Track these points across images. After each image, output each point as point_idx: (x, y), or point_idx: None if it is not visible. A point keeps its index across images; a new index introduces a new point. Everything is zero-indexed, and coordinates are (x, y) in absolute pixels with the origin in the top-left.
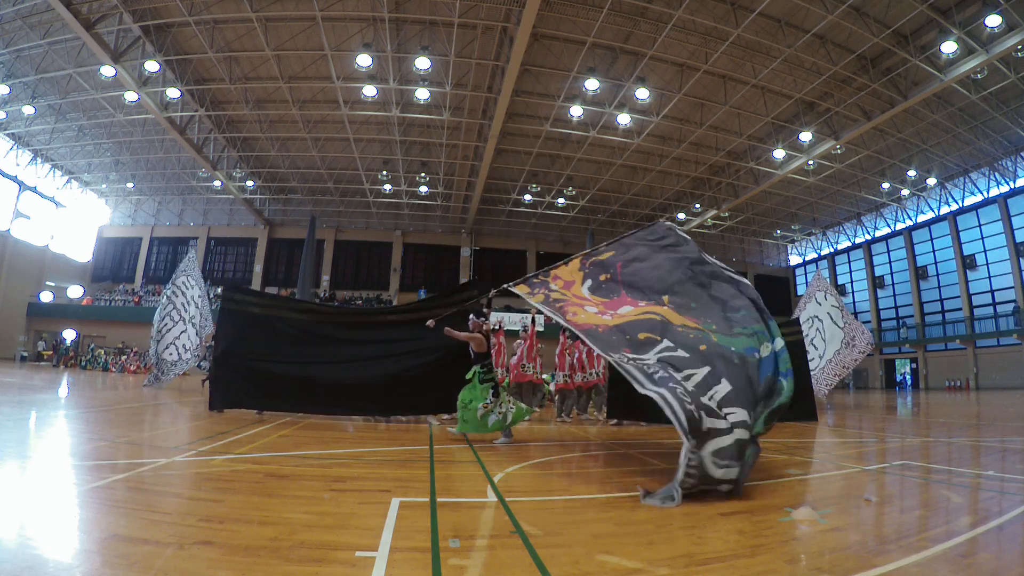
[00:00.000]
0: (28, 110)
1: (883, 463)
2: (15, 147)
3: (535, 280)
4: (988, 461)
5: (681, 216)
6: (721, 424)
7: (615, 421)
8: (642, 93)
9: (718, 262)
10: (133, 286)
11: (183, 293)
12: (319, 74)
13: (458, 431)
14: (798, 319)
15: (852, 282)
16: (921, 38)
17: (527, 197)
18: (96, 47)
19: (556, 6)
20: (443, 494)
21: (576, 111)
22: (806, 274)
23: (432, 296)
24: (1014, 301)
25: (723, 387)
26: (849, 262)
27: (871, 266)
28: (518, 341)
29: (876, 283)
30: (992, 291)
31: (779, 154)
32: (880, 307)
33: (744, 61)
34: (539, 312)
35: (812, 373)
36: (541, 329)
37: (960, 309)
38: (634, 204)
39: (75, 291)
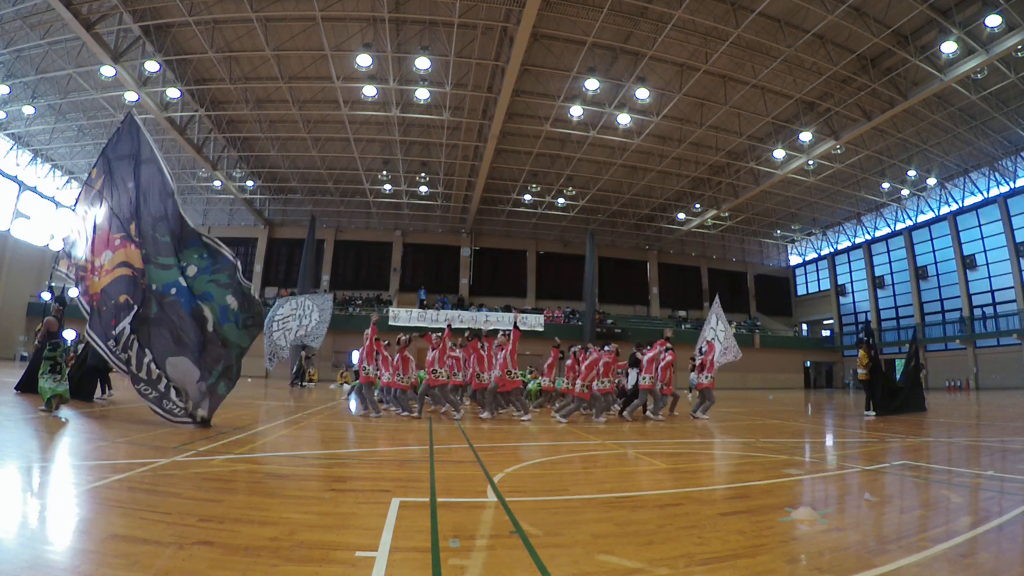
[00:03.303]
0: (28, 110)
1: (883, 463)
2: (15, 147)
3: (71, 237)
4: (988, 461)
5: (681, 216)
6: (161, 388)
7: (872, 413)
8: (642, 93)
9: (158, 159)
10: None
11: (307, 313)
12: (319, 74)
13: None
14: (916, 335)
15: (852, 282)
16: (921, 38)
17: (527, 197)
18: (96, 47)
19: (556, 6)
20: (443, 494)
21: (576, 111)
22: (806, 274)
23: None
24: (1014, 301)
25: (147, 356)
26: (849, 262)
27: (871, 266)
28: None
29: (876, 283)
30: (992, 291)
31: (779, 154)
32: (880, 307)
33: (744, 61)
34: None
35: (714, 360)
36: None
37: (960, 309)
38: (634, 204)
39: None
